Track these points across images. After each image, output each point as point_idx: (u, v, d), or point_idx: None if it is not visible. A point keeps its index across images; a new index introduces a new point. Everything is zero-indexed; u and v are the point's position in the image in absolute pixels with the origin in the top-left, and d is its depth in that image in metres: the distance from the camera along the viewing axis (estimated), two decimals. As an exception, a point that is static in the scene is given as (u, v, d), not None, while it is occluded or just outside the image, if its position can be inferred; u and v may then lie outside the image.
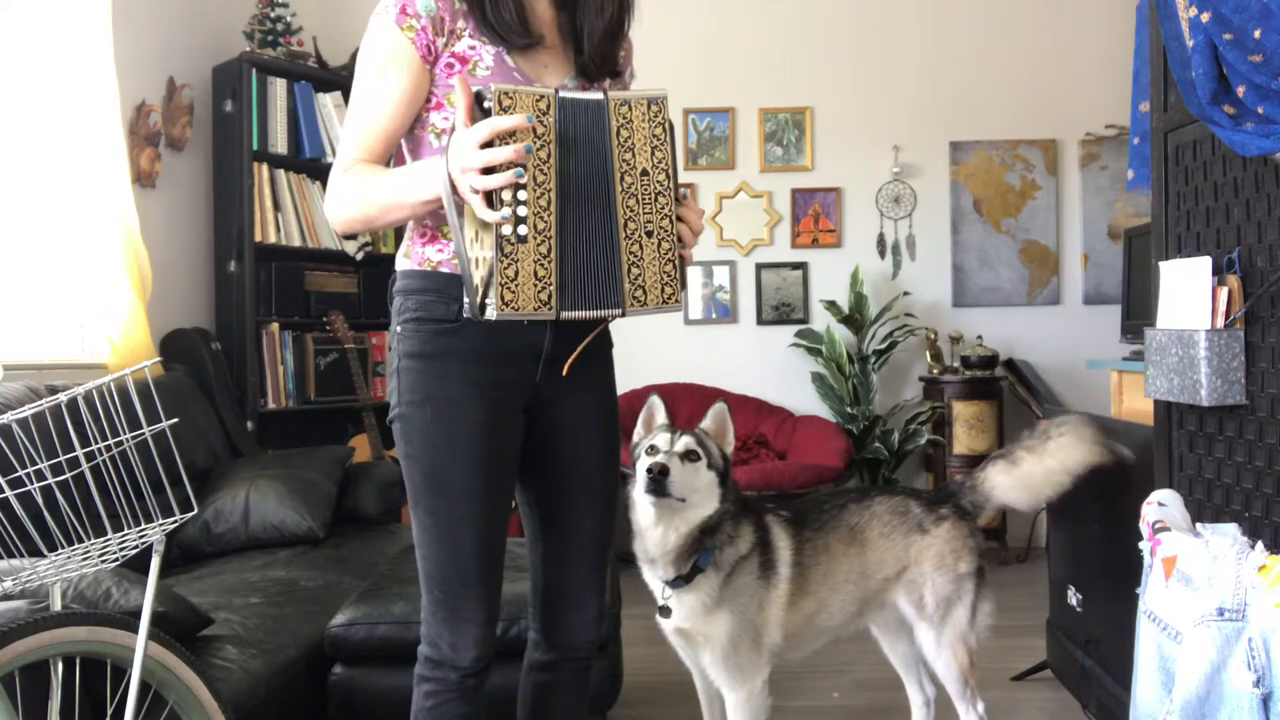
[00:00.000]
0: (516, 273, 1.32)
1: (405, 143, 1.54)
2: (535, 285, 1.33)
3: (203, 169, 4.01)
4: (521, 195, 1.31)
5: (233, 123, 3.91)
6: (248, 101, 3.88)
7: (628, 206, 1.39)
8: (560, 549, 1.63)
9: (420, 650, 1.57)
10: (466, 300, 1.35)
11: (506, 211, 1.30)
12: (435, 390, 1.48)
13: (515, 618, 2.15)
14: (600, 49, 1.53)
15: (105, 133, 3.17)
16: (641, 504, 1.93)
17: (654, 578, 2.00)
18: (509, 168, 1.29)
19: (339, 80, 4.29)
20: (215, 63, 4.00)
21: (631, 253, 1.40)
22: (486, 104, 1.31)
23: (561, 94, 1.36)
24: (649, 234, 1.41)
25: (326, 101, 4.21)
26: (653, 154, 1.40)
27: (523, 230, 1.32)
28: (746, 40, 4.85)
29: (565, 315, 1.37)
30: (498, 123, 1.28)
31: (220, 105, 3.96)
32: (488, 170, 1.29)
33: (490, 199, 1.30)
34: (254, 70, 3.91)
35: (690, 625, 1.99)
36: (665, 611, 1.98)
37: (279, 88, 4.03)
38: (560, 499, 1.62)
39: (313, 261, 4.20)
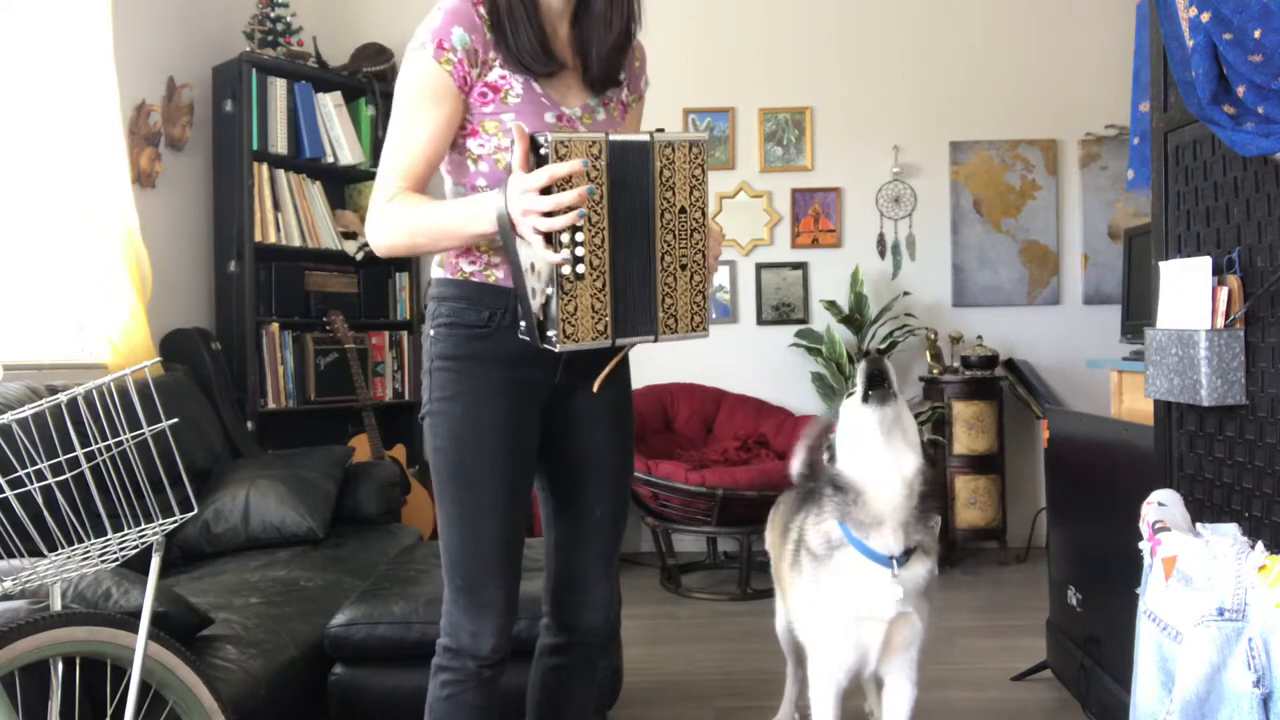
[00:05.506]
0: (575, 308, 1.43)
1: (444, 165, 1.62)
2: (592, 317, 1.46)
3: (203, 169, 4.02)
4: (579, 236, 1.40)
5: (233, 123, 3.91)
6: (248, 101, 3.88)
7: (665, 241, 1.50)
8: (570, 533, 1.73)
9: (439, 642, 1.63)
10: (523, 323, 1.47)
11: (566, 253, 1.38)
12: (465, 387, 1.57)
13: (524, 615, 2.15)
14: (606, 63, 1.61)
15: (105, 133, 3.17)
16: (865, 432, 1.82)
17: (870, 558, 1.84)
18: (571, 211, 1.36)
19: (339, 80, 4.29)
20: (215, 63, 4.00)
21: (666, 284, 1.51)
22: (543, 151, 1.38)
23: (611, 137, 1.43)
24: (683, 267, 1.52)
25: (326, 101, 4.21)
26: (691, 193, 1.51)
27: (580, 269, 1.42)
28: (746, 40, 4.84)
29: (619, 342, 1.50)
30: (557, 169, 1.35)
31: (220, 105, 3.96)
32: (550, 215, 1.36)
33: (549, 239, 1.37)
34: (254, 70, 3.91)
35: (912, 607, 1.86)
36: (895, 594, 1.82)
37: (279, 88, 4.03)
38: (571, 484, 1.71)
39: (313, 261, 4.20)
